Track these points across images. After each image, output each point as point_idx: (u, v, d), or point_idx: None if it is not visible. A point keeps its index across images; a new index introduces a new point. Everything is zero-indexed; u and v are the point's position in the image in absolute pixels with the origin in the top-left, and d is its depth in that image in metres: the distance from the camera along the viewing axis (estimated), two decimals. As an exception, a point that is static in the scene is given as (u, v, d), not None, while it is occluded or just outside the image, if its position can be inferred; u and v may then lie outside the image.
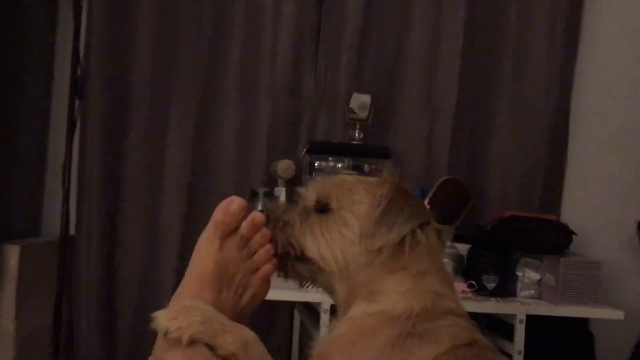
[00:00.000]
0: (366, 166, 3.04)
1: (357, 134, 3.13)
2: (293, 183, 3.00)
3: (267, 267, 1.16)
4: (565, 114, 3.36)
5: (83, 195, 3.11)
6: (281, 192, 2.96)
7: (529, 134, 3.33)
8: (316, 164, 3.03)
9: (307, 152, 3.04)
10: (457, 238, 2.94)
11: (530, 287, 2.76)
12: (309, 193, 1.20)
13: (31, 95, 2.92)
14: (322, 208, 1.17)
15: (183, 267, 1.19)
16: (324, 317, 2.37)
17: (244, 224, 1.13)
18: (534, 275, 2.76)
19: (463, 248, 2.85)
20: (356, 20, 3.23)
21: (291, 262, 1.17)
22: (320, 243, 1.14)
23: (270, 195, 2.95)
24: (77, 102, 2.64)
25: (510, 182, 3.32)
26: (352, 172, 3.03)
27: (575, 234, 2.94)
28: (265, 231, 1.15)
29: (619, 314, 2.60)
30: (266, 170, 3.17)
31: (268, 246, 1.16)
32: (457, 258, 2.82)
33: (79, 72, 2.63)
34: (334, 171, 3.03)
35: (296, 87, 3.25)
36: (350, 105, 3.12)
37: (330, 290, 1.19)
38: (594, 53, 3.39)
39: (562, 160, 3.37)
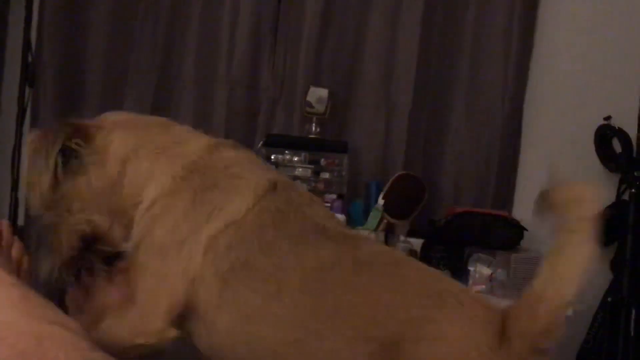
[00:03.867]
0: (323, 160, 3.05)
1: (314, 128, 3.13)
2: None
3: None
4: (519, 113, 3.42)
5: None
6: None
7: (484, 132, 3.37)
8: (272, 157, 3.02)
9: (263, 144, 3.03)
10: (411, 233, 2.98)
11: (482, 282, 2.80)
12: None
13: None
14: None
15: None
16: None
17: None
18: (485, 271, 2.79)
19: (417, 243, 2.88)
20: (315, 14, 3.23)
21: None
22: None
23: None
24: (27, 89, 2.58)
25: (464, 179, 3.36)
26: (309, 165, 3.03)
27: (527, 229, 2.99)
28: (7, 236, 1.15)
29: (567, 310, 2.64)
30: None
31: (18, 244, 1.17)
32: (411, 253, 2.84)
33: (30, 59, 2.57)
34: (291, 164, 3.03)
35: (254, 79, 3.24)
36: (308, 99, 3.11)
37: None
38: (548, 53, 3.45)
39: (515, 158, 3.42)
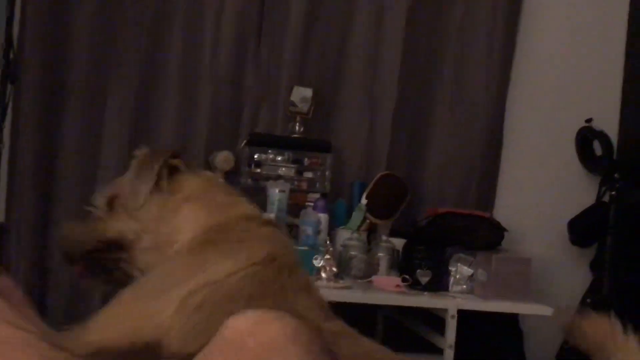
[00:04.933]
0: (306, 159, 3.05)
1: (297, 127, 3.13)
2: (232, 175, 2.99)
3: None
4: (501, 115, 3.44)
5: (14, 183, 3.03)
6: (219, 184, 2.93)
7: (466, 133, 3.39)
8: (256, 156, 3.02)
9: (246, 143, 3.03)
10: (393, 233, 2.99)
11: (463, 282, 2.81)
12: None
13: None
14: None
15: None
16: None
17: None
18: (466, 271, 2.81)
19: (399, 243, 2.89)
20: (300, 13, 3.23)
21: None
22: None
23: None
24: (9, 87, 2.57)
25: (447, 180, 3.38)
26: (292, 165, 3.04)
27: (507, 230, 3.01)
28: None
29: (547, 310, 2.67)
30: (205, 161, 3.14)
31: None
32: (393, 252, 2.86)
33: (11, 56, 2.55)
34: (274, 164, 3.04)
35: (238, 78, 3.23)
36: (292, 98, 3.12)
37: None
38: (530, 55, 3.48)
39: (497, 160, 3.44)
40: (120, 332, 1.10)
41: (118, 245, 1.26)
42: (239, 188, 2.96)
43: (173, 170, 1.28)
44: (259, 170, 3.02)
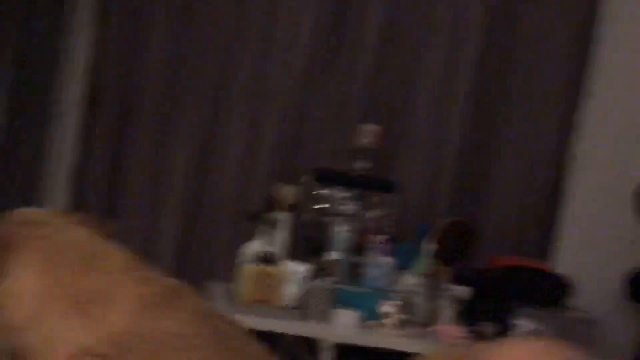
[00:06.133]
0: (371, 198, 3.00)
1: (361, 163, 3.08)
2: (294, 209, 2.94)
3: None
4: (565, 162, 3.39)
5: (78, 203, 3.02)
6: (281, 218, 2.88)
7: (529, 178, 3.34)
8: (319, 192, 2.97)
9: (310, 178, 2.98)
10: (457, 279, 2.93)
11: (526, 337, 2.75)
12: None
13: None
14: None
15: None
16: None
17: None
18: (531, 327, 2.75)
19: (462, 291, 2.83)
20: (370, 49, 3.21)
21: None
22: None
23: (269, 221, 2.88)
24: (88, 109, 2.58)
25: (507, 226, 3.32)
26: (356, 202, 2.98)
27: (572, 286, 2.95)
28: None
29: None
30: (266, 194, 3.10)
31: None
32: (456, 301, 2.80)
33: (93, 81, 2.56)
34: (336, 200, 2.98)
35: (304, 109, 3.20)
36: (358, 134, 3.07)
37: None
38: (599, 106, 3.41)
39: (558, 209, 3.38)
40: None
41: None
42: (301, 224, 2.97)
43: None
44: (322, 206, 2.97)
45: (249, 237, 2.89)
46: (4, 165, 2.48)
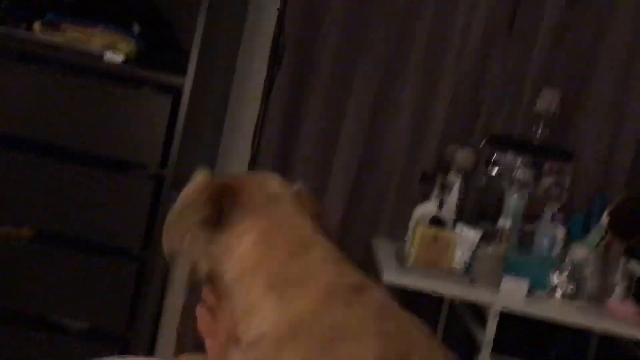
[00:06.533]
0: (546, 166, 2.96)
1: (539, 131, 3.03)
2: (468, 173, 2.96)
3: None
4: None
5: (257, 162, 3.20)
6: (455, 181, 2.91)
7: None
8: (494, 157, 2.97)
9: (486, 143, 2.99)
10: (632, 255, 2.85)
11: None
12: None
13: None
14: None
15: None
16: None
17: None
18: None
19: (636, 266, 2.76)
20: (553, 15, 3.11)
21: None
22: None
23: (442, 184, 2.92)
24: (275, 69, 2.70)
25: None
26: (531, 169, 2.96)
27: None
28: None
29: None
30: (436, 156, 3.14)
31: None
32: (632, 278, 2.73)
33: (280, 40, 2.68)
34: (512, 166, 2.97)
35: (482, 72, 3.18)
36: (537, 100, 3.02)
37: None
38: None
39: None
40: None
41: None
42: (475, 188, 2.98)
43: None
44: (496, 171, 2.97)
45: (418, 199, 2.96)
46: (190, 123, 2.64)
